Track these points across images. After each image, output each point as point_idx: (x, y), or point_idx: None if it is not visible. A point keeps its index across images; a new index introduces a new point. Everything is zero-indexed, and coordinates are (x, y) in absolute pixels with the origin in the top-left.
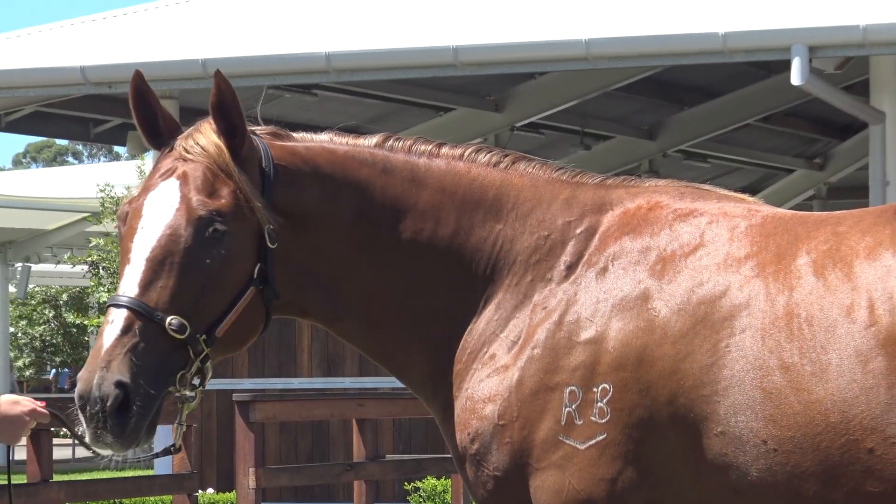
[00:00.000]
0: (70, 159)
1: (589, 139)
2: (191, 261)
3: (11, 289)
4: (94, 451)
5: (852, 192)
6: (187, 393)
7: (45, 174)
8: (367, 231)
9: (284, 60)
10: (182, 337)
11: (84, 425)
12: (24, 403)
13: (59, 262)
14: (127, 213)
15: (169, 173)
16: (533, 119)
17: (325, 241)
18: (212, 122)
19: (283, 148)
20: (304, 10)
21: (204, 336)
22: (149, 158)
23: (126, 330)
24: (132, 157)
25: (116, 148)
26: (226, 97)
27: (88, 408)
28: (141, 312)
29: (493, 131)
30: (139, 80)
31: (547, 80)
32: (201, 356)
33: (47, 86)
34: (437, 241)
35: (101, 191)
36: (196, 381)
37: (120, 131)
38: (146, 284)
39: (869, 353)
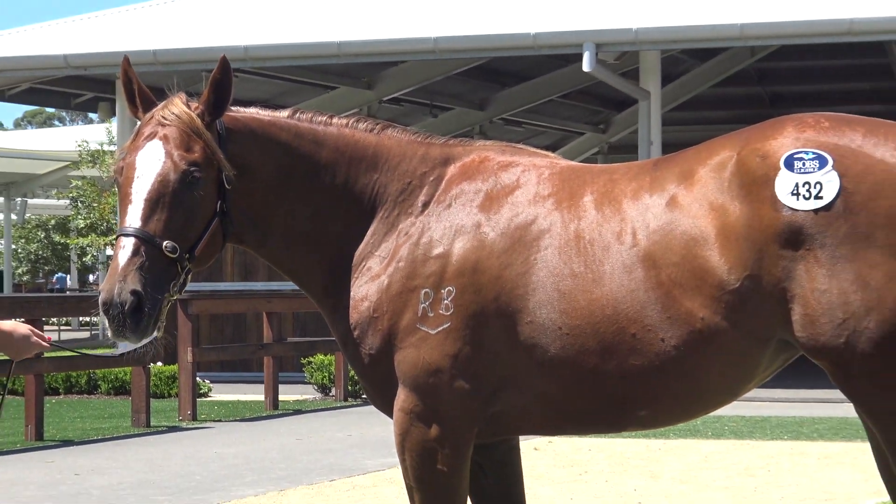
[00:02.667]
0: (56, 122)
1: (436, 110)
2: (177, 200)
3: (13, 217)
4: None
5: (626, 150)
6: (175, 297)
7: (38, 134)
8: (285, 179)
9: (213, 51)
10: (174, 256)
11: (108, 325)
12: (34, 339)
13: (48, 197)
14: (122, 168)
15: (152, 136)
16: (395, 95)
17: (255, 187)
18: (183, 96)
19: (228, 116)
20: (227, 12)
21: (188, 255)
22: (115, 122)
23: (135, 252)
24: (102, 121)
25: (91, 115)
26: (226, 78)
27: (111, 311)
28: (145, 239)
29: (366, 104)
30: (126, 64)
31: (406, 66)
32: (186, 270)
33: (39, 69)
34: (334, 187)
35: (79, 146)
36: (178, 288)
37: (93, 102)
38: (146, 218)
39: (632, 266)
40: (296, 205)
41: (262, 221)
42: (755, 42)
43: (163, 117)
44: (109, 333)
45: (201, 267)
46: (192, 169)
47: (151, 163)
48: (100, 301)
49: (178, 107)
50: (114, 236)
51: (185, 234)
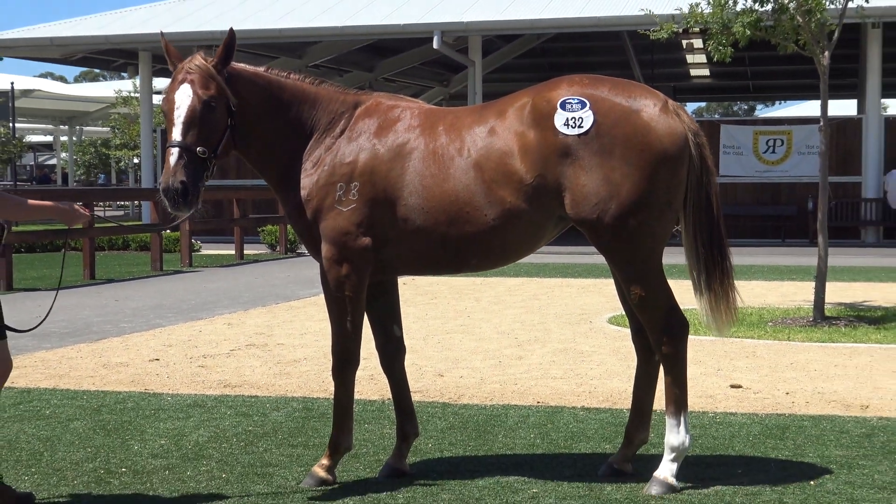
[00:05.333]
0: (101, 79)
1: (343, 72)
2: (202, 121)
3: (74, 138)
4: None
5: (460, 98)
6: (206, 184)
7: (90, 86)
8: (261, 110)
9: (199, 34)
10: (204, 157)
11: (166, 203)
12: (78, 210)
13: (96, 125)
14: (166, 102)
15: (183, 80)
16: (316, 63)
17: (246, 113)
18: (202, 53)
19: (231, 68)
20: (207, 9)
21: (213, 154)
22: (138, 80)
23: (179, 157)
24: (130, 78)
25: (123, 74)
26: (232, 42)
27: (168, 194)
28: (185, 147)
29: (297, 68)
30: (164, 41)
31: (323, 44)
32: (213, 164)
33: (90, 44)
34: (290, 117)
35: (116, 93)
36: (209, 175)
37: (124, 66)
38: (184, 134)
39: (467, 170)
40: (267, 127)
41: (248, 136)
42: (540, 31)
43: (189, 68)
44: (168, 209)
45: (221, 160)
46: (209, 99)
47: (184, 98)
48: (161, 188)
49: (197, 61)
50: (138, 150)
51: (210, 142)
